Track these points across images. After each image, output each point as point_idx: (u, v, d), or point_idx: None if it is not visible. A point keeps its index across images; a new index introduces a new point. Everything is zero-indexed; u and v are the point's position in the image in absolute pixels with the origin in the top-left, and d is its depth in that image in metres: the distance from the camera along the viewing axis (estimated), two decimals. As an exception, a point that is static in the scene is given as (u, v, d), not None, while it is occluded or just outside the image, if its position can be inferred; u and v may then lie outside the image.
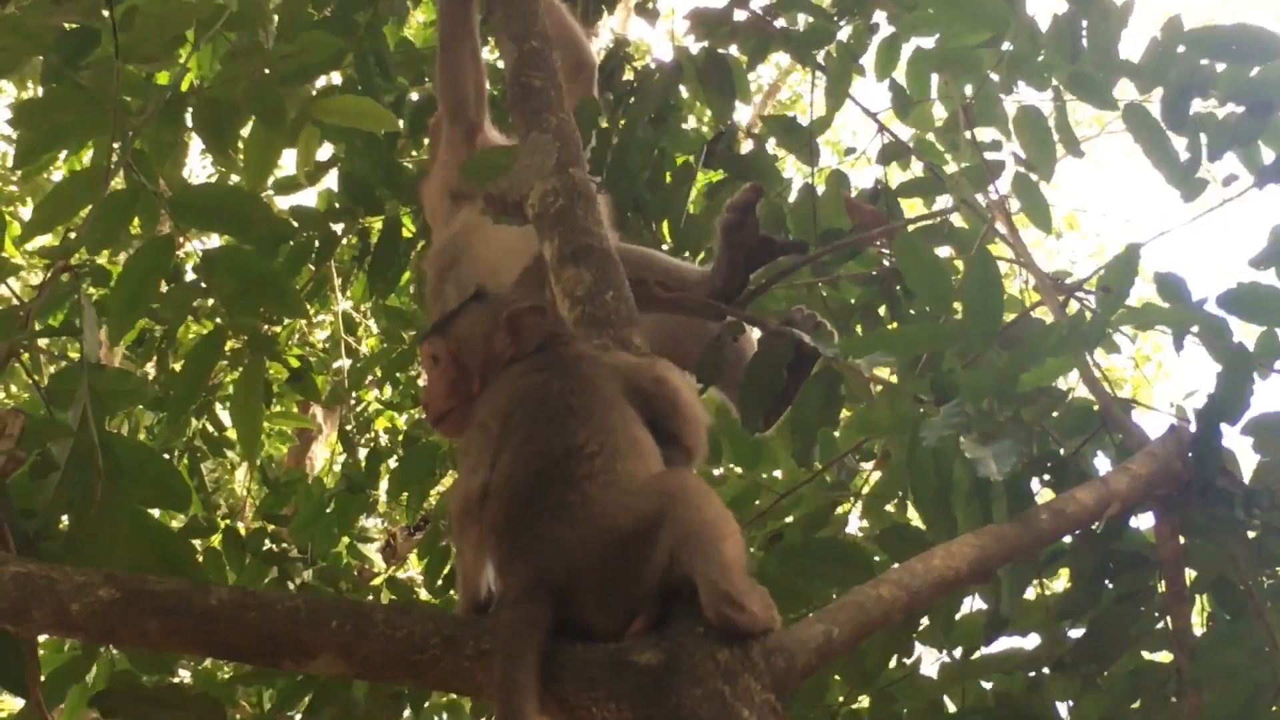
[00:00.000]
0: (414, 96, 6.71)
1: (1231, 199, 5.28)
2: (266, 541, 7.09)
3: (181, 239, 4.66)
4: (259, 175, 5.36)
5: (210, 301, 6.04)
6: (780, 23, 6.34)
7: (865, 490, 5.35)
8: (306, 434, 12.56)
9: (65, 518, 3.74)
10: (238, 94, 4.72)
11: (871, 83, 6.40)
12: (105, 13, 4.31)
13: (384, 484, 8.10)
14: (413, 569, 10.15)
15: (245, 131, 5.13)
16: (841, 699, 4.81)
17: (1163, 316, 4.40)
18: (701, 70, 6.32)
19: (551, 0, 5.18)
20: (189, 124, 4.86)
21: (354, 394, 8.83)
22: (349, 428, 8.65)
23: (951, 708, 4.81)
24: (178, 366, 6.16)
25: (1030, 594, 4.54)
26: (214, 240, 5.86)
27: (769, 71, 17.52)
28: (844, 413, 5.12)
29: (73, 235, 4.64)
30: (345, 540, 7.55)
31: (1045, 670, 4.54)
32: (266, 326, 6.42)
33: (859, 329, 5.71)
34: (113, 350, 8.59)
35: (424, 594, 7.54)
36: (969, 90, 5.76)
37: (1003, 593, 4.26)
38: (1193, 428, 4.22)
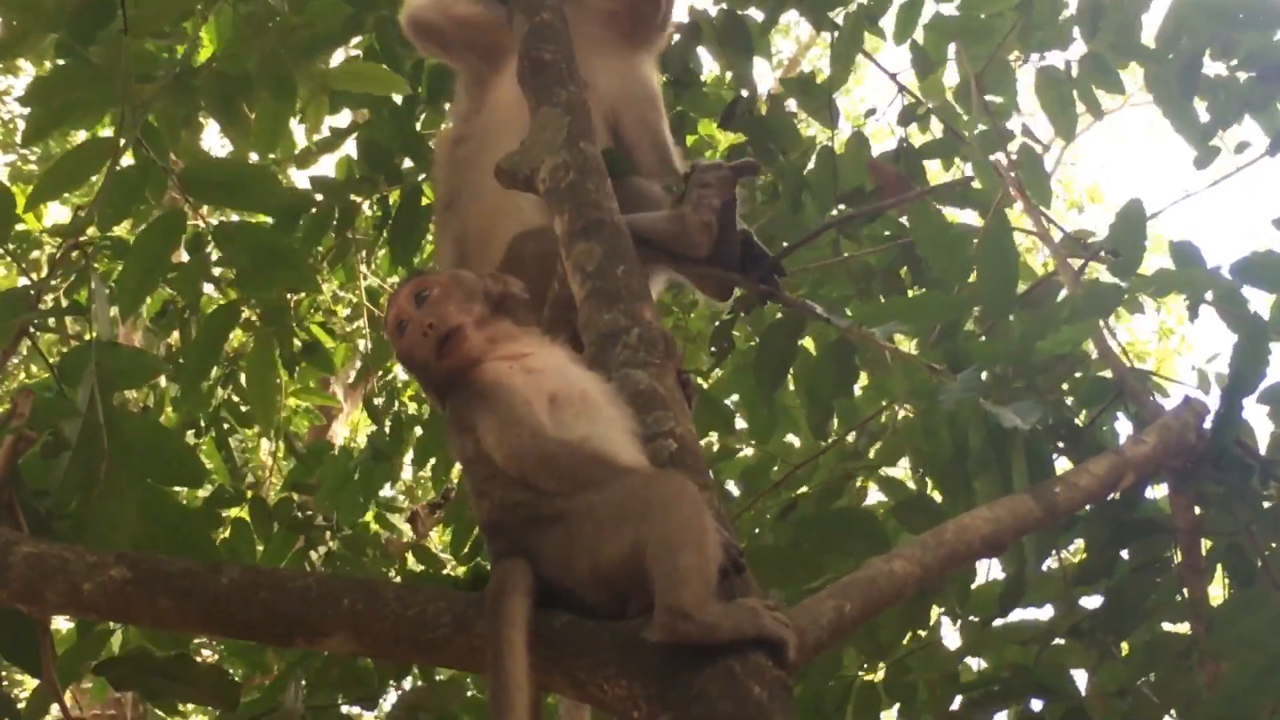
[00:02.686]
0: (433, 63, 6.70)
1: (1244, 166, 5.26)
2: (293, 510, 7.10)
3: (196, 216, 4.66)
4: (268, 145, 5.35)
5: (225, 271, 6.06)
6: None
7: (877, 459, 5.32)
8: (328, 412, 12.56)
9: (77, 500, 3.74)
10: (248, 67, 4.69)
11: (890, 48, 6.36)
12: (115, -13, 4.31)
13: (409, 457, 8.07)
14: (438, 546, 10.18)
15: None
16: (857, 671, 4.79)
17: (1177, 281, 4.36)
18: (720, 31, 6.27)
19: None
20: (200, 99, 4.81)
21: (380, 364, 8.80)
22: (376, 400, 8.62)
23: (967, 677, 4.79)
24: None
25: (1045, 565, 4.52)
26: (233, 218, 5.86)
27: (789, 46, 17.50)
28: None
29: (83, 214, 4.62)
30: (372, 510, 7.55)
31: (1061, 640, 4.52)
32: (290, 296, 6.41)
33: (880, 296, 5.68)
34: (135, 326, 8.58)
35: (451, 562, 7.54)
36: (983, 57, 5.73)
37: (1027, 558, 4.25)
38: (1211, 397, 4.21)
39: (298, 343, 6.12)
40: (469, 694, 4.64)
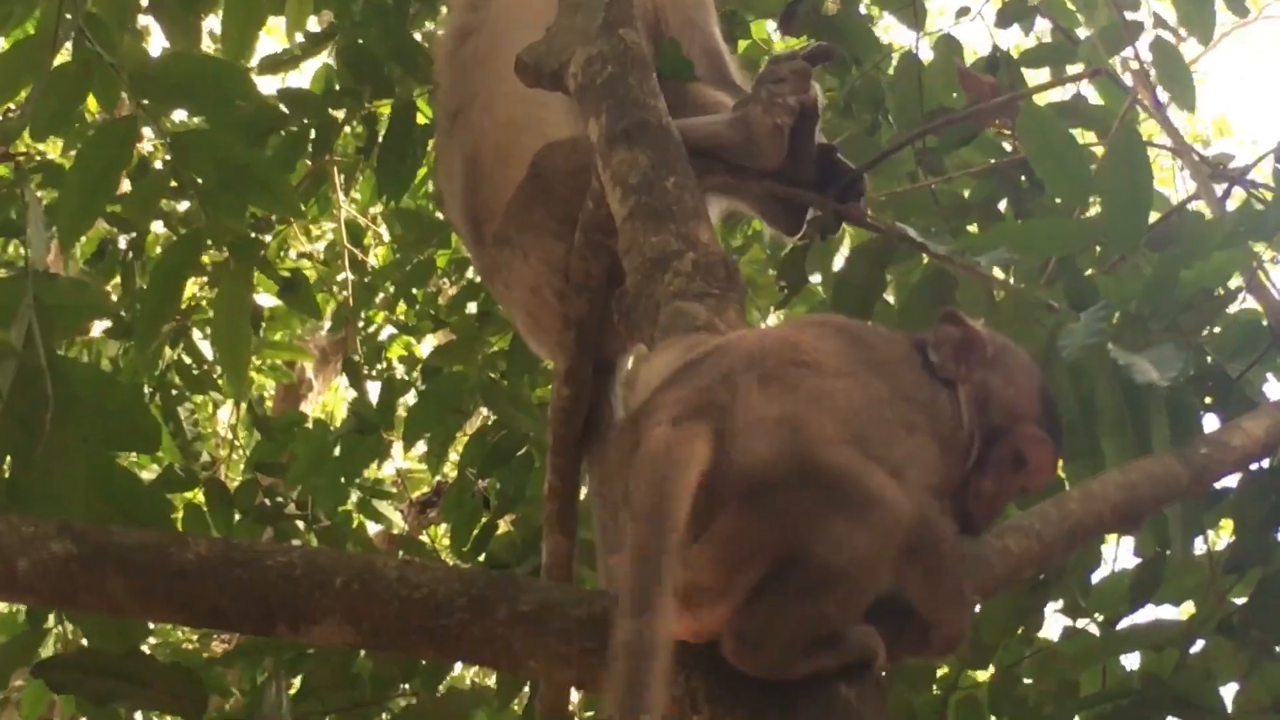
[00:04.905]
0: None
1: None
2: (259, 495, 7.10)
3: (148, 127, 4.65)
4: (239, 49, 5.33)
5: (184, 206, 6.02)
6: None
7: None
8: (293, 392, 12.60)
9: (8, 459, 3.73)
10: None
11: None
12: None
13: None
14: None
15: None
16: (957, 677, 4.80)
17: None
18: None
19: None
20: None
21: (361, 315, 8.80)
22: (355, 356, 8.62)
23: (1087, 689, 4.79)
24: (145, 285, 6.18)
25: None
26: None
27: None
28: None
29: (14, 118, 4.61)
30: (354, 494, 7.55)
31: (1205, 642, 4.50)
32: (253, 234, 6.40)
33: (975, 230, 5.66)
34: (66, 264, 8.59)
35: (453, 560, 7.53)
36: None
37: (1171, 536, 4.23)
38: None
39: (275, 285, 6.10)
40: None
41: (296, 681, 4.83)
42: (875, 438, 2.77)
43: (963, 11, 6.88)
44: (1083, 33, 6.09)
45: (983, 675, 4.89)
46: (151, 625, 3.83)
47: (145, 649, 3.84)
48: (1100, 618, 4.76)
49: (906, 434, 2.85)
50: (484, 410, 6.96)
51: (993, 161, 5.70)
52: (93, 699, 3.78)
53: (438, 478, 8.88)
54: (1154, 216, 4.85)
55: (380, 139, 6.60)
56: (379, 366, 8.94)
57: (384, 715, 4.86)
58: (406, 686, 4.79)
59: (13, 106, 4.64)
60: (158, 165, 5.51)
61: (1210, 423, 4.19)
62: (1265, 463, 4.15)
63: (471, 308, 7.32)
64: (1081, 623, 4.83)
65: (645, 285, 3.53)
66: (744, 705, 2.87)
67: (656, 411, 2.71)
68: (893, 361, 3.01)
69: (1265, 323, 4.56)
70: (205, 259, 6.31)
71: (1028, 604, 4.65)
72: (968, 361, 3.04)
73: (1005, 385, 3.06)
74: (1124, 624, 4.66)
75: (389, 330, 9.25)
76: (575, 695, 4.69)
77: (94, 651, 3.76)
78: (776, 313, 6.15)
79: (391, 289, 8.43)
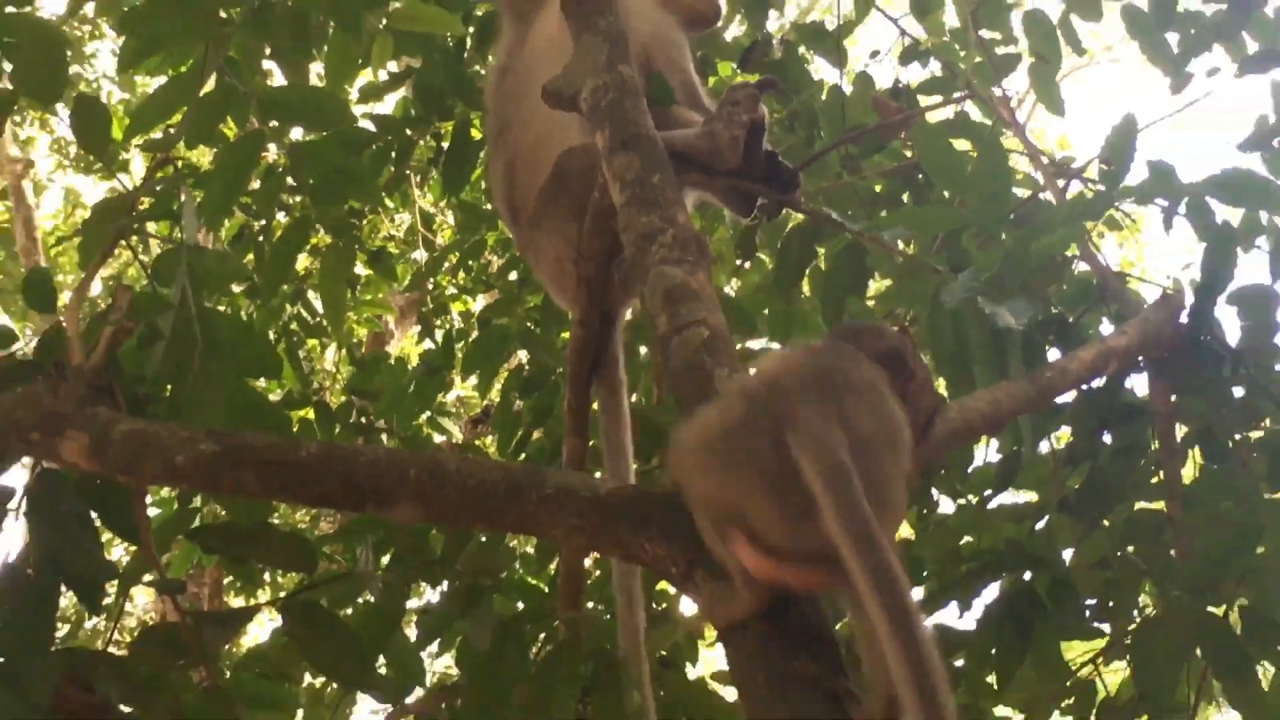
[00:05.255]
0: (479, 12, 6.65)
1: (1210, 92, 5.23)
2: (353, 414, 7.11)
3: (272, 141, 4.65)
4: (338, 83, 5.31)
5: (298, 199, 6.03)
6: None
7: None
8: (380, 338, 12.55)
9: (170, 386, 3.74)
10: (320, 3, 4.68)
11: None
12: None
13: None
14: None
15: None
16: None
17: (1157, 189, 4.30)
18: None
19: None
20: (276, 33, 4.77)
21: (430, 280, 8.78)
22: (426, 310, 8.62)
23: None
24: (270, 257, 6.18)
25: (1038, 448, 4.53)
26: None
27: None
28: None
29: (173, 132, 4.61)
30: (424, 415, 7.55)
31: (1050, 518, 4.51)
32: (350, 221, 6.40)
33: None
34: (212, 243, 8.56)
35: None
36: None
37: (1023, 438, 4.25)
38: (1185, 297, 4.20)
39: (364, 257, 6.09)
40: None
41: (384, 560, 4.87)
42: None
43: (874, 54, 6.91)
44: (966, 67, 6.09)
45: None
46: (275, 506, 3.83)
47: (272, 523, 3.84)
48: (974, 499, 4.76)
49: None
50: (521, 352, 6.94)
51: (896, 164, 5.69)
52: (233, 559, 3.79)
53: (486, 401, 8.86)
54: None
55: (445, 151, 6.58)
56: (443, 319, 8.93)
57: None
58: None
59: (171, 127, 4.63)
60: (279, 169, 5.48)
61: (1054, 355, 4.21)
62: (1094, 384, 4.16)
63: (513, 275, 7.31)
64: (961, 502, 4.83)
65: (638, 255, 3.52)
66: (706, 563, 2.87)
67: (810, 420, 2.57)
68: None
69: (1095, 281, 4.59)
70: (314, 239, 6.32)
71: (924, 487, 4.67)
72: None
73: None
74: (992, 504, 4.67)
75: (451, 291, 9.23)
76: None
77: (232, 524, 3.77)
78: (733, 280, 6.16)
79: (453, 261, 8.43)
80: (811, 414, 2.55)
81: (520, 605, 4.67)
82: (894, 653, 2.29)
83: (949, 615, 5.45)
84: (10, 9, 3.81)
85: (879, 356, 2.91)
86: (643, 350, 6.30)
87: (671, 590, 5.35)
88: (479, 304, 8.97)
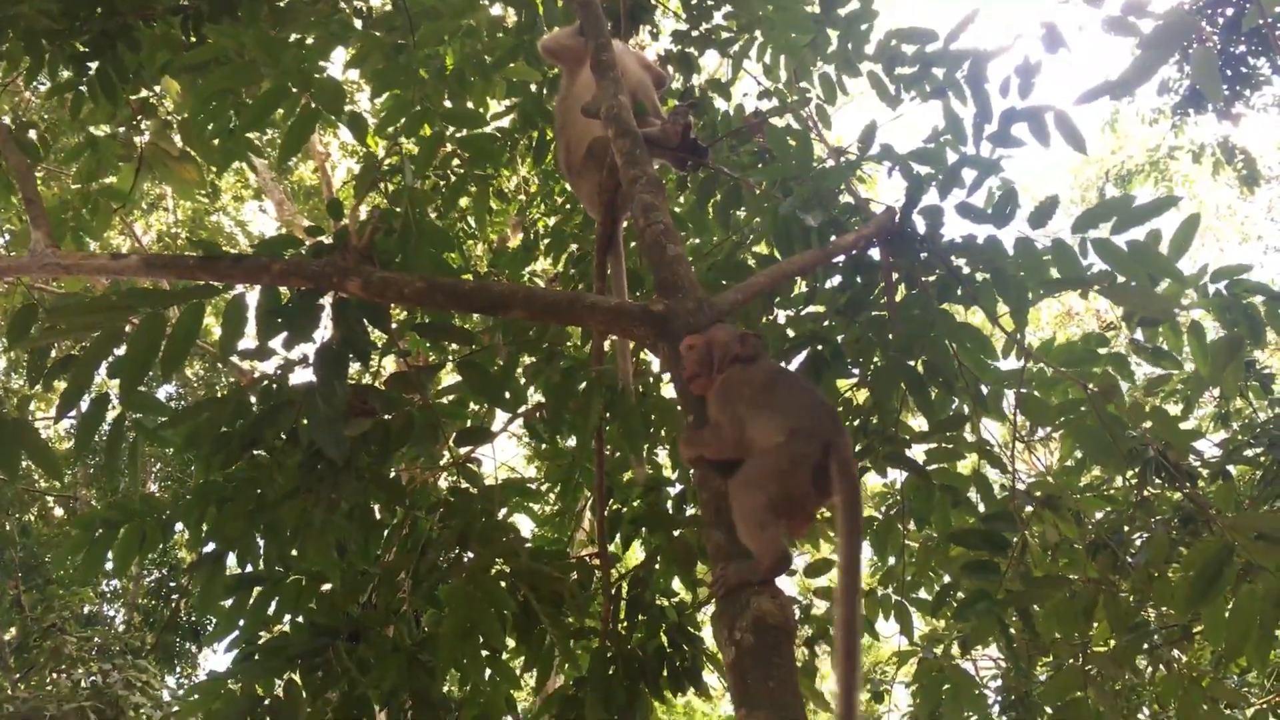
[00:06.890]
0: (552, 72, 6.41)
1: (896, 117, 4.98)
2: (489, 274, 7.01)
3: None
4: (479, 105, 5.14)
5: (460, 168, 5.81)
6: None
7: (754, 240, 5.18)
8: (504, 239, 12.13)
9: (400, 256, 3.69)
10: (472, 69, 4.53)
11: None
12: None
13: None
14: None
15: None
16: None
17: (884, 157, 4.13)
18: (674, 58, 6.02)
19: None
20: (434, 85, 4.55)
21: (529, 209, 8.57)
22: (526, 224, 8.42)
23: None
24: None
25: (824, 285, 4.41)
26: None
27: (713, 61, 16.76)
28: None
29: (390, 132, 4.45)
30: (525, 271, 7.37)
31: (829, 321, 4.35)
32: (491, 172, 6.19)
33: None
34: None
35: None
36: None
37: (817, 280, 4.20)
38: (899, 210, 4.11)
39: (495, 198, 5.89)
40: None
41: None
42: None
43: (744, 94, 6.70)
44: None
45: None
46: (450, 315, 3.78)
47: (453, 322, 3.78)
48: (791, 312, 4.60)
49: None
50: (574, 245, 6.81)
51: (756, 148, 5.53)
52: (434, 339, 3.73)
53: (556, 270, 8.69)
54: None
55: (534, 143, 6.40)
56: (533, 229, 8.75)
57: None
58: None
59: (396, 128, 4.46)
60: (453, 152, 5.31)
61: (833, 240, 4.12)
62: (853, 252, 4.07)
63: (568, 206, 7.17)
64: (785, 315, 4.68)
65: (629, 189, 3.47)
66: (666, 337, 2.84)
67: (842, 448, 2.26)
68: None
69: (853, 202, 4.47)
70: (472, 188, 6.12)
71: (767, 303, 4.56)
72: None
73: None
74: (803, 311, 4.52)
75: (538, 215, 9.04)
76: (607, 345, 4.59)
77: (434, 323, 3.72)
78: (678, 202, 6.02)
79: (539, 200, 8.27)
80: (844, 443, 2.26)
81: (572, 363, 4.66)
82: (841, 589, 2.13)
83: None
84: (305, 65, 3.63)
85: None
86: (633, 245, 6.18)
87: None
88: (552, 221, 8.80)
